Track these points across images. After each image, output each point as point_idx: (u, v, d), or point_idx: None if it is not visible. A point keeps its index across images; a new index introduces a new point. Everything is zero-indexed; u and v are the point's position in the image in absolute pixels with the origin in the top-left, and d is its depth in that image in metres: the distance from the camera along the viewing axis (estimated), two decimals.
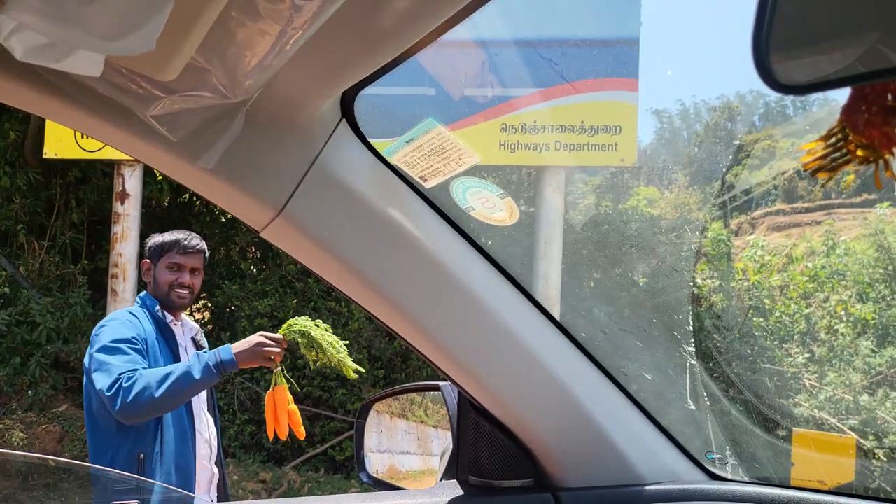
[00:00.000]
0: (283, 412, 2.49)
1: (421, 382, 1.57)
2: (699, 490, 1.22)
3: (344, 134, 0.96)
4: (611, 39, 5.41)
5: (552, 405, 1.18)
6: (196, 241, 2.69)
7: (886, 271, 8.20)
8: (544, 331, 1.17)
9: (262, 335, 2.39)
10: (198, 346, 2.71)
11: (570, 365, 1.19)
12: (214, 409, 2.72)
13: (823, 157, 0.41)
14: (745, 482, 1.29)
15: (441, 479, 1.35)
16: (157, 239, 2.68)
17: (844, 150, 0.40)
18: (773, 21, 0.38)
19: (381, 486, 1.54)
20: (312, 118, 0.91)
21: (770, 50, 0.38)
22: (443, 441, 1.75)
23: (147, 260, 2.68)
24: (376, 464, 1.77)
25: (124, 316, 2.52)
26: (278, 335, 2.40)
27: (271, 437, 2.50)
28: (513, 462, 1.23)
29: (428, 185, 1.01)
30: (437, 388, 1.43)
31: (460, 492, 1.23)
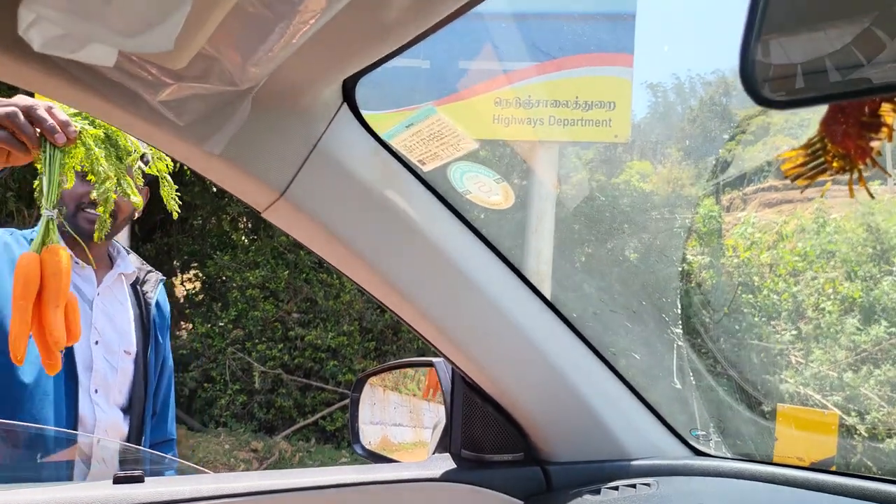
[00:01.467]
0: (57, 298, 1.19)
1: (415, 358, 1.61)
2: (683, 465, 1.27)
3: (345, 118, 0.98)
4: (606, 14, 5.39)
5: (542, 383, 1.22)
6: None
7: (875, 250, 8.28)
8: (536, 311, 1.20)
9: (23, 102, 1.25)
10: (142, 301, 1.91)
11: (560, 344, 1.23)
12: (145, 371, 1.88)
13: (803, 164, 0.44)
14: (728, 458, 1.34)
15: (434, 453, 1.39)
16: None
17: (822, 160, 0.43)
18: (759, 40, 0.40)
19: (374, 458, 1.59)
20: (314, 103, 0.93)
21: (756, 67, 0.40)
22: (434, 414, 1.80)
23: None
24: (369, 435, 1.81)
25: None
26: (54, 109, 1.25)
27: (20, 356, 1.16)
28: (504, 437, 1.27)
29: (426, 168, 1.03)
30: (431, 365, 1.46)
31: (453, 465, 1.27)
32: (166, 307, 2.01)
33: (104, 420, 1.77)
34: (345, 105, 0.97)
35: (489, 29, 5.31)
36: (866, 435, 6.53)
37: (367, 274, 1.07)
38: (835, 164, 0.42)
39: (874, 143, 0.41)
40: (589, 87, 5.42)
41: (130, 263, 1.94)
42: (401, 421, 1.93)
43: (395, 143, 1.02)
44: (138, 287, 1.94)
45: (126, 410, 1.85)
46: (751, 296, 8.18)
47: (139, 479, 1.08)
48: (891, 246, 7.95)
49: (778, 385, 7.04)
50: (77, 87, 0.82)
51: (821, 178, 0.43)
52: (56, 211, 1.26)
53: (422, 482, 1.21)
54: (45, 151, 1.20)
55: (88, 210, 1.77)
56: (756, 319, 7.85)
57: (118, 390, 1.83)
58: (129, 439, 1.82)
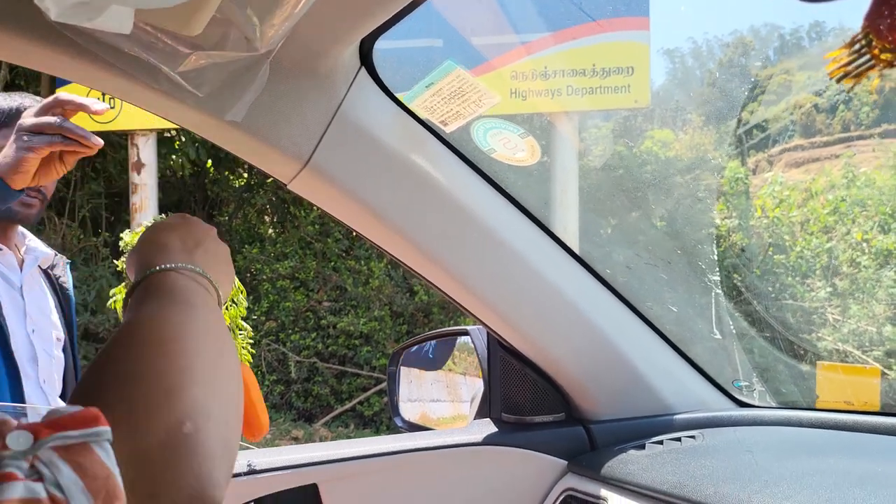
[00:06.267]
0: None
1: (450, 328, 1.60)
2: (727, 416, 1.25)
3: (364, 82, 0.97)
4: None
5: (580, 340, 1.20)
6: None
7: None
8: (568, 268, 1.19)
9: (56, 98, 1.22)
10: (57, 286, 1.79)
11: (595, 300, 1.21)
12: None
13: (848, 63, 0.42)
14: (773, 407, 1.32)
15: (475, 419, 1.39)
16: None
17: (868, 56, 0.41)
18: None
19: (414, 429, 1.59)
20: (333, 68, 0.92)
21: None
22: (471, 387, 1.80)
23: None
24: (408, 413, 1.81)
25: None
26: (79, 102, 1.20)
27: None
28: (544, 398, 1.26)
29: (449, 129, 1.02)
30: (466, 333, 1.46)
31: (494, 429, 1.26)
32: (72, 290, 1.87)
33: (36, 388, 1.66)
34: (363, 69, 0.96)
35: (501, 2, 5.25)
36: None
37: (398, 241, 1.06)
38: (883, 58, 0.40)
39: None
40: (606, 53, 5.35)
41: (42, 247, 1.79)
42: (438, 396, 1.93)
43: (415, 106, 1.01)
44: (50, 272, 1.80)
45: (63, 399, 1.74)
46: (783, 256, 8.06)
47: None
48: None
49: (816, 343, 6.94)
50: (96, 65, 0.82)
51: (869, 74, 0.41)
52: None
53: (464, 447, 1.21)
54: None
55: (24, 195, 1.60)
56: (789, 279, 7.73)
57: (57, 380, 1.73)
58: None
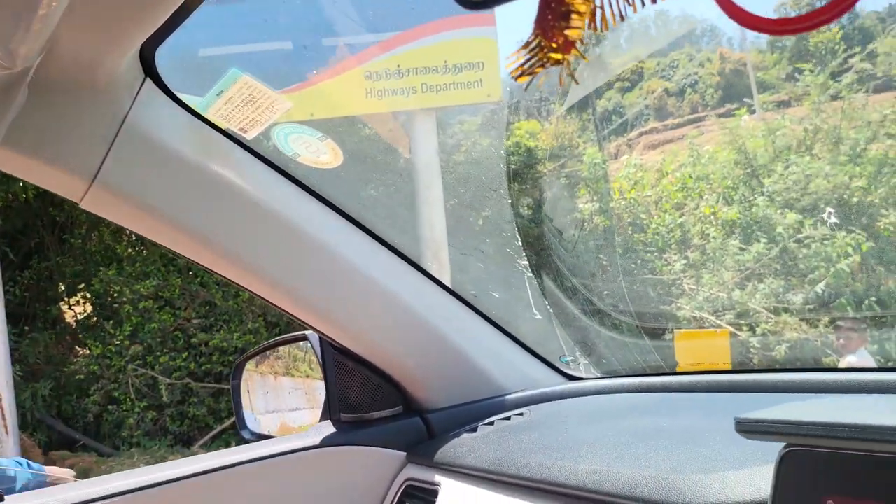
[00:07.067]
0: None
1: (288, 335, 1.59)
2: (554, 391, 1.32)
3: (150, 93, 0.94)
4: None
5: (408, 334, 1.23)
6: None
7: (746, 172, 8.75)
8: (388, 262, 1.21)
9: None
10: None
11: (420, 294, 1.24)
12: None
13: (525, 63, 0.46)
14: (597, 378, 1.40)
15: (319, 422, 1.39)
16: None
17: (539, 56, 0.45)
18: None
19: (262, 438, 1.57)
20: (112, 79, 0.89)
21: None
22: None
23: None
24: (268, 425, 1.78)
25: None
26: None
27: None
28: (380, 393, 1.28)
29: (249, 135, 1.01)
30: (305, 338, 1.45)
31: (333, 430, 1.27)
32: None
33: None
34: (148, 80, 0.94)
35: (342, 4, 5.24)
36: (759, 346, 6.97)
37: (206, 251, 1.04)
38: (550, 56, 0.45)
39: (573, 33, 0.43)
40: (455, 50, 5.45)
41: None
42: (297, 405, 1.91)
43: (211, 114, 0.99)
44: None
45: None
46: (641, 234, 8.52)
47: None
48: (759, 165, 8.45)
49: (676, 313, 7.38)
50: None
51: (539, 71, 0.46)
52: None
53: (300, 452, 1.21)
54: None
55: None
56: (648, 255, 8.19)
57: None
58: None
